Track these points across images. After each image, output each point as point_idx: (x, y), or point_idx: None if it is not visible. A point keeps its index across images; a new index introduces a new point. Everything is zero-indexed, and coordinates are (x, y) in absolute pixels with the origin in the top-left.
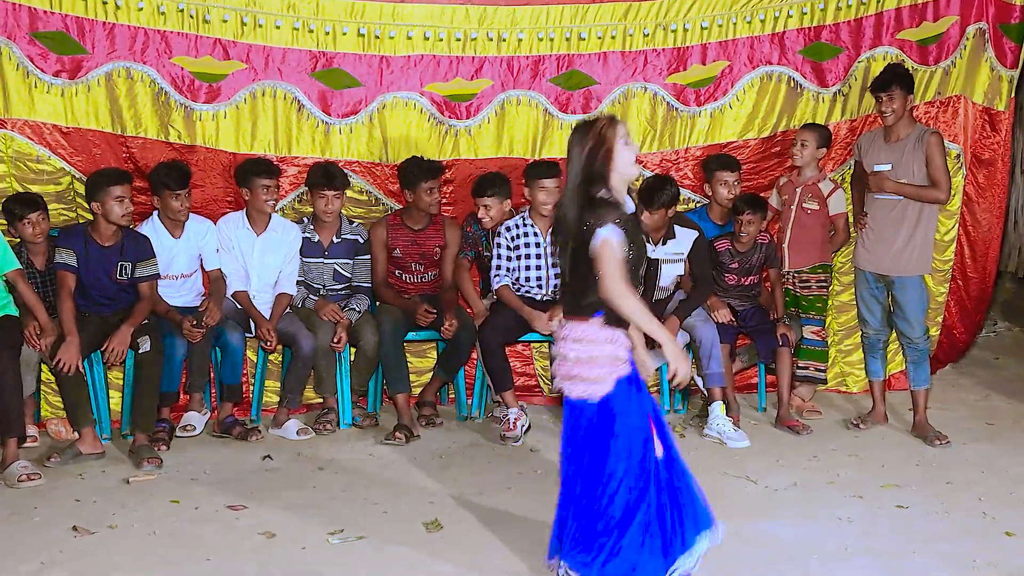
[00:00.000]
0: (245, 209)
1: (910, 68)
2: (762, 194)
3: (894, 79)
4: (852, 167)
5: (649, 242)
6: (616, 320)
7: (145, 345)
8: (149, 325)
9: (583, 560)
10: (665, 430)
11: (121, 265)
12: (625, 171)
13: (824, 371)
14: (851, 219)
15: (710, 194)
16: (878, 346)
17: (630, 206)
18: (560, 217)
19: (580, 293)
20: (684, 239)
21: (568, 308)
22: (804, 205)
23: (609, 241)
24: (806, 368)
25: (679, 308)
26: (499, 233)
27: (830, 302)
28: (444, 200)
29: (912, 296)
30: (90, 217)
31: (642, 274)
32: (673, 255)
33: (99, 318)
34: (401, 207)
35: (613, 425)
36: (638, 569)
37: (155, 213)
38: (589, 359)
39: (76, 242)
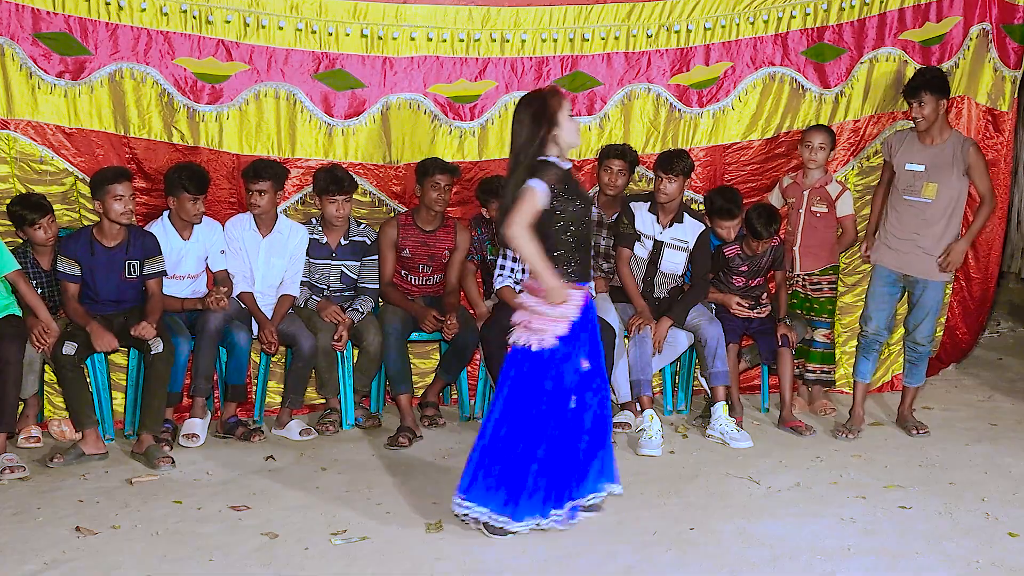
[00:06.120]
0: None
1: (912, 69)
2: (764, 195)
3: (923, 85)
4: (867, 168)
5: (658, 223)
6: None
7: (157, 346)
8: (159, 326)
9: None
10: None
11: (129, 264)
12: (569, 139)
13: (831, 372)
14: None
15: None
16: (874, 347)
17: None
18: (505, 185)
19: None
20: (691, 228)
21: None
22: (813, 208)
23: (532, 189)
24: (815, 372)
25: (674, 309)
26: None
27: (837, 303)
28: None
29: (933, 298)
30: (92, 218)
31: (594, 244)
32: (678, 241)
33: (102, 318)
34: (406, 209)
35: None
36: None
37: (165, 214)
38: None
39: (80, 248)
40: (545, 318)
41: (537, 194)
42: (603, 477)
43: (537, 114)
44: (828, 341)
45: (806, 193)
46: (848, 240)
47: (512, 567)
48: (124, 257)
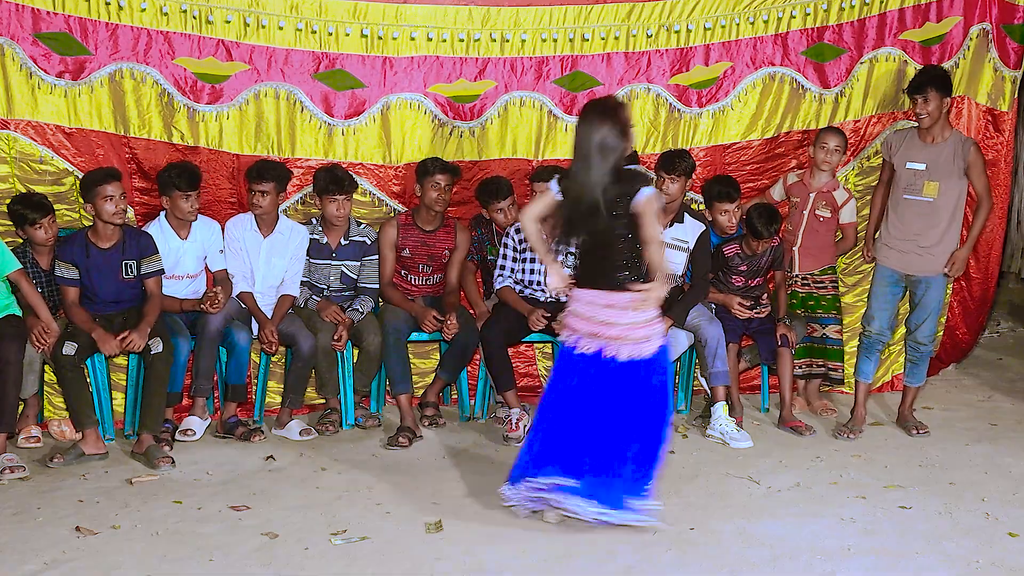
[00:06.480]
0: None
1: (912, 69)
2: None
3: (928, 82)
4: (867, 168)
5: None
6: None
7: (157, 347)
8: (159, 327)
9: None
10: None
11: (126, 264)
12: (632, 150)
13: (841, 370)
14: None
15: (710, 218)
16: (876, 347)
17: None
18: (583, 195)
19: (619, 263)
20: (692, 228)
21: (608, 280)
22: (817, 212)
23: (656, 197)
24: (836, 370)
25: (674, 309)
26: (507, 234)
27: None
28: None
29: (935, 298)
30: (92, 218)
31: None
32: (678, 241)
33: (102, 318)
34: (406, 209)
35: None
36: None
37: (162, 214)
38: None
39: (76, 251)
40: (649, 325)
41: (655, 200)
42: None
43: (620, 127)
44: (839, 337)
45: (812, 195)
46: (847, 246)
47: (512, 567)
48: (120, 258)
